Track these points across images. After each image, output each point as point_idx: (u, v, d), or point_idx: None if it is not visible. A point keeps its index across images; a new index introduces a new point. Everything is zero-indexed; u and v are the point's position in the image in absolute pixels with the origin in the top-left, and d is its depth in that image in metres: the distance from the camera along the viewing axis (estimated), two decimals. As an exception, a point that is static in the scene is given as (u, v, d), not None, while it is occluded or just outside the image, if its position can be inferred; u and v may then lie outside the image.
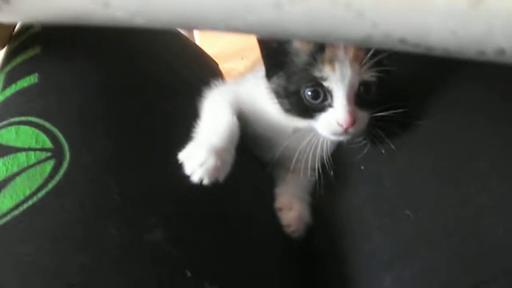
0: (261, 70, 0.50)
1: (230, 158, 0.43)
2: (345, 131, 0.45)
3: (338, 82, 0.44)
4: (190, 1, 0.25)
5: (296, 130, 0.50)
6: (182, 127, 0.46)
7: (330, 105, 0.45)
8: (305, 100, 0.46)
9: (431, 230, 0.39)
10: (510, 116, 0.42)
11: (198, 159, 0.41)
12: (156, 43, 0.56)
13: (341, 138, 0.47)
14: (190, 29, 0.26)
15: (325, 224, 0.48)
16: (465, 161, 0.41)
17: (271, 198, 0.51)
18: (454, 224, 0.39)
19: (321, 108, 0.46)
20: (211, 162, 0.41)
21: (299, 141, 0.50)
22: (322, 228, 0.48)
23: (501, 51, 0.25)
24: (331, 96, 0.45)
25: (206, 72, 0.65)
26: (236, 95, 0.52)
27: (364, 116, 0.46)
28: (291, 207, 0.49)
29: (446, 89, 0.47)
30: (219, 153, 0.42)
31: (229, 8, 0.25)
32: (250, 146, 0.53)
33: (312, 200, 0.51)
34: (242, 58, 0.78)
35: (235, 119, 0.47)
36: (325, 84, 0.45)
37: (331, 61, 0.44)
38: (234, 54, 0.84)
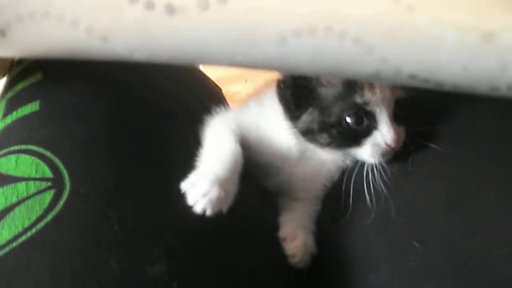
0: (265, 98, 0.50)
1: (233, 188, 0.43)
2: (392, 150, 0.46)
3: (380, 104, 0.45)
4: (193, 37, 0.24)
5: (301, 157, 0.50)
6: (186, 156, 0.45)
7: (375, 128, 0.46)
8: (348, 128, 0.46)
9: (439, 262, 0.38)
10: None
11: (201, 189, 0.40)
12: (158, 69, 0.56)
13: (387, 158, 0.47)
14: (192, 64, 0.26)
15: (331, 253, 0.47)
16: (473, 191, 0.40)
17: (276, 227, 0.50)
18: (462, 256, 0.38)
19: (366, 133, 0.46)
20: (214, 192, 0.40)
21: (304, 169, 0.49)
22: (329, 257, 0.47)
23: (515, 87, 0.24)
24: (374, 119, 0.45)
25: (209, 98, 0.64)
26: (239, 123, 0.51)
27: (402, 132, 0.47)
28: (296, 237, 0.48)
29: (457, 114, 0.46)
30: (222, 183, 0.41)
31: (233, 44, 0.24)
32: (255, 175, 0.52)
33: (319, 229, 0.50)
34: (246, 81, 0.78)
35: (238, 148, 0.47)
36: (367, 108, 0.45)
37: (371, 85, 0.44)
38: (237, 78, 0.84)
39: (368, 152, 0.46)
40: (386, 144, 0.45)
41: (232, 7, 0.24)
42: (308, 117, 0.48)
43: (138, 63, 0.25)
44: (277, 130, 0.50)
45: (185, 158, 0.45)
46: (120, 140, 0.44)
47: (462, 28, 0.23)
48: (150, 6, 0.24)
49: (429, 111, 0.48)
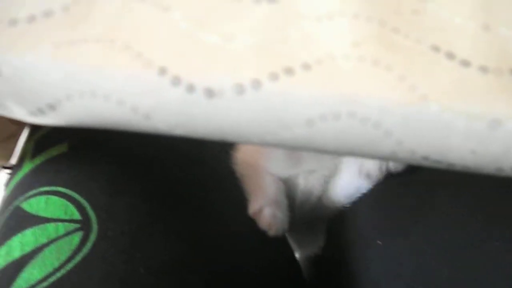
0: None
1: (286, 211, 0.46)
2: None
3: None
4: (228, 118, 0.27)
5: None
6: (212, 198, 0.47)
7: None
8: None
9: None
10: None
11: (269, 213, 0.43)
12: None
13: None
14: (225, 141, 0.28)
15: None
16: (478, 240, 0.42)
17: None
18: None
19: None
20: (279, 215, 0.43)
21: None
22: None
23: (518, 168, 0.27)
24: None
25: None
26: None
27: None
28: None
29: None
30: (279, 205, 0.44)
31: (264, 125, 0.27)
32: None
33: (327, 270, 0.52)
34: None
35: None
36: None
37: None
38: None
39: None
40: None
41: (265, 92, 0.26)
42: None
43: (175, 136, 0.28)
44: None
45: (211, 200, 0.47)
46: (146, 182, 0.46)
47: (471, 116, 0.26)
48: (191, 89, 0.26)
49: None
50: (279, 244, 0.54)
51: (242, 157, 0.54)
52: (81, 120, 0.29)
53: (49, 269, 0.39)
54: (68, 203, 0.43)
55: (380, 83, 0.26)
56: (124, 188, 0.45)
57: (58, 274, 0.38)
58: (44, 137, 0.49)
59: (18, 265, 0.39)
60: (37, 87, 0.28)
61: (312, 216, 0.55)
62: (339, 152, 0.28)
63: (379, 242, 0.48)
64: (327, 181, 0.52)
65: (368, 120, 0.26)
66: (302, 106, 0.26)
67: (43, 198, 0.43)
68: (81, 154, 0.47)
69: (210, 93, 0.27)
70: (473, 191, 0.45)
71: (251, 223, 0.48)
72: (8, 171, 0.50)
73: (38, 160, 0.47)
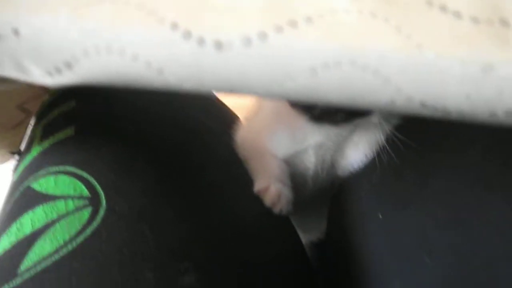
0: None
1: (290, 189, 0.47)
2: None
3: None
4: (236, 70, 0.28)
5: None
6: (213, 178, 0.49)
7: None
8: None
9: (447, 275, 0.42)
10: None
11: (274, 192, 0.45)
12: (189, 100, 0.60)
13: None
14: (231, 93, 0.29)
15: (346, 270, 0.50)
16: (478, 208, 0.43)
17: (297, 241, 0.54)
18: (468, 270, 0.40)
19: None
20: (285, 192, 0.45)
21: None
22: (344, 274, 0.50)
23: (511, 113, 0.28)
24: None
25: (229, 122, 0.68)
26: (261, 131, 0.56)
27: None
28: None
29: (459, 131, 0.49)
30: (284, 184, 0.46)
31: (271, 76, 0.29)
32: None
33: (333, 254, 0.53)
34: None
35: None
36: None
37: None
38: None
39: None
40: None
41: (271, 43, 0.28)
42: None
43: (184, 91, 0.29)
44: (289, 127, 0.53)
45: (214, 180, 0.49)
46: (152, 161, 0.48)
47: (465, 62, 0.28)
48: (201, 42, 0.28)
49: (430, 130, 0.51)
50: (285, 225, 0.55)
51: (243, 139, 0.55)
52: (97, 77, 0.30)
53: (60, 242, 0.40)
54: (77, 181, 0.44)
55: (378, 33, 0.28)
56: (131, 167, 0.47)
57: (69, 247, 0.39)
58: (52, 122, 0.50)
59: (30, 240, 0.40)
60: (55, 46, 0.29)
61: (319, 191, 0.56)
62: (341, 103, 0.29)
63: (380, 215, 0.49)
64: (336, 150, 0.54)
65: (367, 67, 0.28)
66: (305, 55, 0.28)
67: (52, 177, 0.44)
68: (88, 137, 0.48)
69: (219, 45, 0.28)
70: (471, 162, 0.46)
71: (256, 205, 0.49)
72: (17, 157, 0.51)
73: (46, 144, 0.48)
